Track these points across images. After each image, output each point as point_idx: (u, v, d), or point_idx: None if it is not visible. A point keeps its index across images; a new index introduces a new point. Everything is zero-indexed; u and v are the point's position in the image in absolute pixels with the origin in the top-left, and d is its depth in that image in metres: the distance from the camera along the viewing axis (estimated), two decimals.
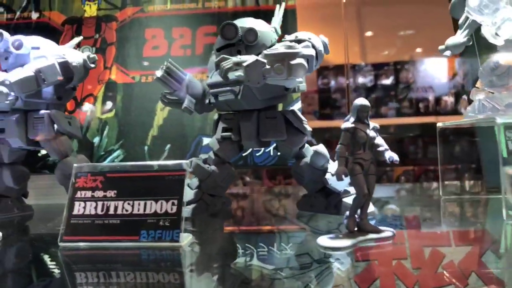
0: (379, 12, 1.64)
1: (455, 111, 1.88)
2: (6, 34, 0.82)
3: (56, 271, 0.57)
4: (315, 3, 1.44)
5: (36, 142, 0.86)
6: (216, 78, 0.80)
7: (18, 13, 1.25)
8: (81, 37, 0.95)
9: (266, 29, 0.77)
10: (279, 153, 1.06)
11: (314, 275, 0.48)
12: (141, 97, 1.13)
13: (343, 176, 0.59)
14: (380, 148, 0.60)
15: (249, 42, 0.74)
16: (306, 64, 0.64)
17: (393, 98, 1.69)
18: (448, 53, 0.84)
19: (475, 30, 0.82)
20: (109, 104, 1.13)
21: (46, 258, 0.63)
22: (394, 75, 1.73)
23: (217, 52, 0.79)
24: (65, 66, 0.83)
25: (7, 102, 0.78)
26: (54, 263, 0.60)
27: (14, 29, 1.23)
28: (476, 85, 0.84)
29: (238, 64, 0.65)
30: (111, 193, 0.64)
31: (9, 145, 0.86)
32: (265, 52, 0.65)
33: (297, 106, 0.84)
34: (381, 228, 0.61)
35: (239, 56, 0.67)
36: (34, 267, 0.60)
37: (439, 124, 0.94)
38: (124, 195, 0.64)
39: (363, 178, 0.60)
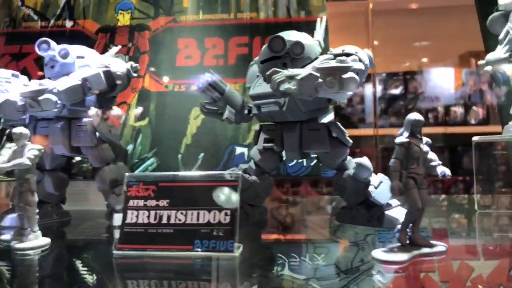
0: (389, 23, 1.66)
1: (464, 122, 1.88)
2: (53, 43, 0.84)
3: (115, 279, 0.58)
4: (341, 13, 1.46)
5: (78, 149, 0.87)
6: (259, 89, 0.81)
7: (52, 21, 1.27)
8: (119, 46, 0.97)
9: (311, 42, 0.78)
10: (311, 164, 1.07)
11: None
12: (174, 106, 1.14)
13: (397, 190, 0.59)
14: (433, 163, 0.61)
15: (296, 55, 0.75)
16: (358, 78, 0.65)
17: (403, 107, 1.71)
18: (489, 68, 0.84)
19: None
20: (142, 112, 1.14)
21: (102, 266, 0.64)
22: (403, 85, 1.75)
23: (261, 64, 0.80)
24: (109, 75, 0.84)
25: (55, 110, 0.80)
26: (110, 271, 0.61)
27: (48, 37, 1.25)
28: None
29: (290, 77, 0.66)
30: (163, 202, 0.65)
31: (51, 152, 0.87)
32: (316, 65, 0.66)
33: (329, 118, 0.85)
34: (433, 242, 0.62)
35: (290, 69, 0.68)
36: (91, 275, 0.60)
37: (474, 138, 0.94)
38: (177, 204, 0.64)
39: (417, 192, 0.60)
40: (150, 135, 1.12)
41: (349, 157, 0.81)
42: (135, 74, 0.88)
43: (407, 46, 1.75)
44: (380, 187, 0.78)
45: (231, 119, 0.86)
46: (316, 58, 0.78)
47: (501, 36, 0.85)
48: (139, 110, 1.02)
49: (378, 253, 0.59)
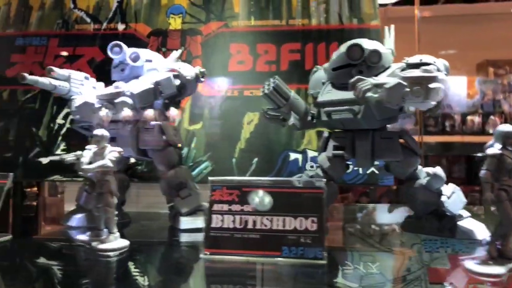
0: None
1: (482, 131, 1.87)
2: (125, 46, 0.85)
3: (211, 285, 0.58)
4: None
5: (144, 152, 0.88)
6: (329, 96, 0.81)
7: (104, 24, 1.28)
8: (180, 50, 0.98)
9: (386, 51, 0.79)
10: (367, 172, 1.07)
11: None
12: (227, 110, 1.15)
13: (489, 201, 0.59)
14: None
15: (372, 63, 0.75)
16: (443, 88, 0.65)
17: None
18: None
19: None
20: (196, 116, 1.15)
21: (192, 270, 0.64)
22: None
23: (332, 71, 0.81)
24: (179, 79, 0.85)
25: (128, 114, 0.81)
26: (200, 275, 0.62)
27: (101, 40, 1.27)
28: None
29: (377, 86, 0.66)
30: (248, 208, 0.65)
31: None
32: (402, 74, 0.66)
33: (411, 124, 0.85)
34: None
35: (374, 78, 0.68)
36: (184, 281, 0.61)
37: None
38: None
39: (509, 205, 0.60)
40: (204, 139, 1.12)
41: (419, 167, 0.81)
42: (202, 79, 0.89)
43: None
44: (452, 197, 0.78)
45: (297, 125, 0.86)
46: (389, 67, 0.78)
47: None
48: (196, 117, 1.01)
49: (472, 265, 0.58)
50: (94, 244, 0.70)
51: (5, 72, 1.25)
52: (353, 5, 1.22)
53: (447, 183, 0.79)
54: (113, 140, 0.87)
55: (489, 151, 0.61)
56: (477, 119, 1.93)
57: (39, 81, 0.78)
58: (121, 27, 1.28)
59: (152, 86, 0.82)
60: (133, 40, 1.25)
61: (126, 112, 0.88)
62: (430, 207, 0.79)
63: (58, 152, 1.16)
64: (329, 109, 0.80)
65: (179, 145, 0.91)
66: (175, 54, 0.96)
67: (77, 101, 0.81)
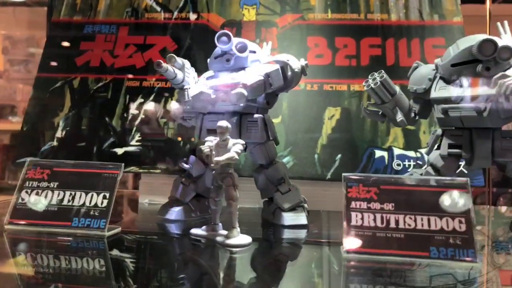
0: None
1: None
2: (232, 37, 0.82)
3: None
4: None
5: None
6: (444, 92, 0.78)
7: (175, 13, 1.25)
8: (270, 43, 0.95)
9: None
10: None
11: None
12: (307, 105, 1.12)
13: None
14: None
15: (502, 59, 0.73)
16: None
17: None
18: None
19: None
20: (274, 109, 1.12)
21: (335, 270, 0.62)
22: None
23: (451, 67, 0.78)
24: (287, 71, 0.83)
25: (242, 105, 0.78)
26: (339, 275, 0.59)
27: (173, 29, 1.24)
28: None
29: None
30: (388, 206, 0.63)
31: None
32: None
33: None
34: None
35: None
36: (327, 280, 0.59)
37: None
38: (403, 208, 0.62)
39: None
40: (284, 133, 1.10)
41: None
42: (307, 72, 0.87)
43: None
44: None
45: (405, 121, 0.84)
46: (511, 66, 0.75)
47: None
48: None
49: None
50: (219, 239, 0.68)
51: (74, 59, 1.23)
52: (434, 1, 1.20)
53: None
54: (213, 132, 0.86)
55: None
56: None
57: (168, 69, 0.74)
58: (193, 16, 1.25)
59: (263, 78, 0.80)
60: (206, 31, 1.22)
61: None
62: None
63: (133, 143, 1.14)
64: (446, 106, 0.78)
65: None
66: (269, 46, 0.93)
67: (192, 91, 0.79)
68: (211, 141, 0.69)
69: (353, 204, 0.63)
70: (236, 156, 0.67)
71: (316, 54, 1.17)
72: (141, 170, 1.11)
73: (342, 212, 0.63)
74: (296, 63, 0.85)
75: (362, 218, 0.62)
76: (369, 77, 0.84)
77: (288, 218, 0.83)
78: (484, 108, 0.73)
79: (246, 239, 0.68)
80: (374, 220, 0.62)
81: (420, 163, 1.05)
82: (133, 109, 1.16)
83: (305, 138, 1.09)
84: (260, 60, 0.86)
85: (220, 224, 0.72)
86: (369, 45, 1.16)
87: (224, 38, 0.81)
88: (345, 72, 1.15)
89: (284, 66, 0.83)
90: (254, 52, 0.86)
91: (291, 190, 0.86)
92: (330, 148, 1.08)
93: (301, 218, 0.83)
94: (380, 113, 0.88)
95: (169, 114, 0.89)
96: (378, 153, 1.07)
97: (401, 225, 0.61)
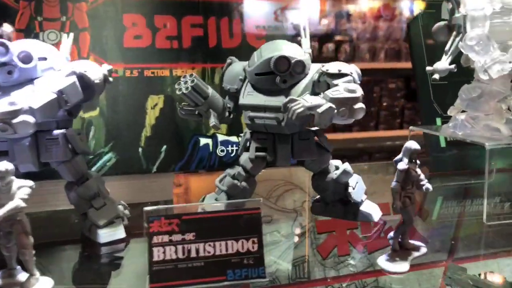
0: None
1: None
2: (10, 45, 0.69)
3: None
4: None
5: (45, 165, 0.78)
6: (251, 99, 0.81)
7: None
8: (71, 35, 0.84)
9: (306, 57, 0.80)
10: None
11: None
12: (128, 94, 1.05)
13: (398, 209, 0.70)
14: (423, 182, 0.73)
15: (296, 73, 0.77)
16: (364, 107, 0.71)
17: None
18: (437, 76, 0.98)
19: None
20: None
21: None
22: None
23: (255, 75, 0.79)
24: (86, 83, 0.74)
25: (31, 131, 0.69)
26: None
27: None
28: (455, 104, 1.01)
29: (310, 108, 0.68)
30: (189, 236, 0.65)
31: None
32: (330, 95, 0.69)
33: None
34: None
35: (305, 98, 0.70)
36: None
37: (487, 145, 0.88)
38: (204, 236, 0.65)
39: (412, 208, 0.72)
40: (104, 127, 1.02)
41: (330, 162, 0.89)
42: (111, 79, 0.79)
43: None
44: (356, 187, 0.89)
45: (218, 125, 0.85)
46: (307, 73, 0.80)
47: (446, 48, 0.98)
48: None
49: (384, 263, 0.70)
50: None
51: None
52: None
53: None
54: (4, 154, 0.75)
55: (399, 166, 0.70)
56: None
57: None
58: None
59: (55, 96, 0.70)
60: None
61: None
62: (338, 196, 0.89)
63: None
64: (253, 115, 0.81)
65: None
66: (67, 43, 0.82)
67: None
68: None
69: (155, 239, 0.64)
70: (22, 204, 0.60)
71: (135, 35, 1.08)
72: None
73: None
74: (96, 73, 0.76)
75: (164, 252, 0.64)
76: (181, 79, 0.81)
77: (104, 235, 0.81)
78: (282, 119, 0.78)
79: (45, 285, 0.64)
80: (176, 252, 0.64)
81: None
82: None
83: (127, 131, 1.04)
84: (54, 68, 0.75)
85: (19, 267, 0.67)
86: (191, 25, 1.11)
87: (1, 49, 0.68)
88: (166, 56, 1.09)
89: (83, 77, 0.74)
90: (45, 59, 0.74)
91: (106, 204, 0.82)
92: (154, 139, 1.05)
93: (118, 233, 0.82)
94: (196, 112, 0.87)
95: None
96: (203, 141, 1.08)
97: (201, 253, 0.65)
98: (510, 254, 0.74)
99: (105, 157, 1.01)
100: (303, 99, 0.70)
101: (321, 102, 0.69)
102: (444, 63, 0.97)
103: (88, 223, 0.82)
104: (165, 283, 0.63)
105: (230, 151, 1.09)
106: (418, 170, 0.72)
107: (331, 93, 0.70)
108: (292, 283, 0.56)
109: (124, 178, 0.95)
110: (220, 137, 1.09)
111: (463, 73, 1.13)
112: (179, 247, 0.64)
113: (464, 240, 0.74)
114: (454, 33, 0.97)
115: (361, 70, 0.79)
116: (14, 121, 0.66)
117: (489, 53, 0.87)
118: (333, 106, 0.68)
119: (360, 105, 0.70)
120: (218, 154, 1.08)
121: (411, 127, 1.13)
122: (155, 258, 0.63)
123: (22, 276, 0.66)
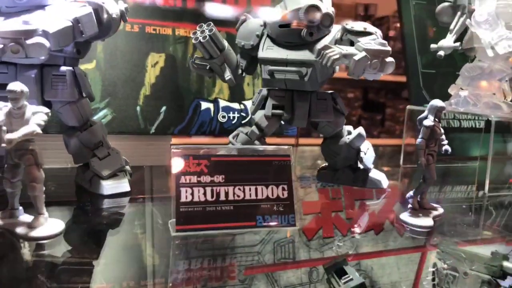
0: None
1: None
2: None
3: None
4: None
5: (49, 104, 0.70)
6: (272, 53, 0.78)
7: None
8: None
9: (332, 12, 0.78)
10: None
11: None
12: (127, 49, 0.98)
13: (423, 165, 0.70)
14: (444, 142, 0.74)
15: (324, 26, 0.74)
16: (394, 62, 0.71)
17: None
18: (442, 53, 1.00)
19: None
20: None
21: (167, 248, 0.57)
22: None
23: (279, 27, 0.77)
24: (100, 19, 0.68)
25: (42, 58, 0.61)
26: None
27: None
28: (456, 83, 1.04)
29: (345, 56, 0.67)
30: (218, 178, 0.61)
31: None
32: (364, 46, 0.68)
33: None
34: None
35: (341, 47, 0.69)
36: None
37: (493, 117, 0.93)
38: (233, 180, 0.61)
39: (434, 166, 0.72)
40: (100, 82, 0.95)
41: (344, 126, 0.88)
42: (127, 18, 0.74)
43: None
44: (368, 153, 0.88)
45: (233, 79, 0.81)
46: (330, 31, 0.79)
47: (451, 26, 1.01)
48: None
49: (407, 217, 0.70)
50: (21, 231, 0.55)
51: None
52: None
53: None
54: (5, 88, 0.67)
55: (425, 122, 0.70)
56: None
57: None
58: None
59: (71, 23, 0.64)
60: None
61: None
62: (349, 161, 0.88)
63: None
64: (273, 68, 0.78)
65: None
66: None
67: None
68: (0, 108, 0.53)
69: (182, 179, 0.59)
70: (38, 130, 0.54)
71: None
72: None
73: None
74: (114, 7, 0.71)
75: (192, 193, 0.59)
76: (197, 28, 0.77)
77: (108, 186, 0.74)
78: (306, 73, 0.76)
79: (56, 226, 0.57)
80: (204, 194, 0.60)
81: (244, 115, 1.07)
82: None
83: (125, 88, 0.97)
84: None
85: (21, 208, 0.59)
86: None
87: None
88: (170, 14, 1.04)
89: (98, 9, 0.68)
90: None
91: (110, 155, 0.76)
92: (154, 99, 0.99)
93: (123, 185, 0.76)
94: (207, 67, 0.83)
95: None
96: (204, 105, 1.04)
97: (230, 197, 0.61)
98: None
99: (100, 113, 0.94)
100: (337, 47, 0.69)
101: (356, 52, 0.68)
102: (449, 41, 1.00)
103: (89, 174, 0.76)
104: (192, 225, 0.58)
105: (231, 118, 1.05)
106: (442, 129, 0.72)
107: (364, 44, 0.69)
108: (277, 263, 0.55)
109: (119, 138, 0.88)
110: (222, 103, 1.05)
111: (451, 64, 1.20)
112: (208, 189, 0.60)
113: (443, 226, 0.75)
114: (459, 13, 1.01)
115: None
116: (28, 41, 0.59)
117: (496, 30, 0.91)
118: (368, 56, 0.67)
119: (391, 59, 0.70)
120: (220, 119, 1.04)
121: (408, 106, 1.15)
122: (183, 199, 0.59)
123: (24, 217, 0.59)
